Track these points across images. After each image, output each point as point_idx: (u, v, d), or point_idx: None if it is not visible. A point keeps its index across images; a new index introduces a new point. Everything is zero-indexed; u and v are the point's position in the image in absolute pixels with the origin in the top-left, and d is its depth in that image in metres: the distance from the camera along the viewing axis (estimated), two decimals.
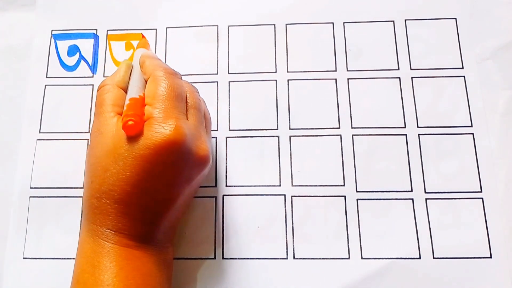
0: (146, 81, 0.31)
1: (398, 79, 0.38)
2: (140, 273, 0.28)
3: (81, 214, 0.30)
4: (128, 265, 0.27)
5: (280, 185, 0.36)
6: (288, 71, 0.39)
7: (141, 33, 0.40)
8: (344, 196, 0.36)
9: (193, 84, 0.34)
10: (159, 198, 0.28)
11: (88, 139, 0.38)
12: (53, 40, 0.41)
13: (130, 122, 0.27)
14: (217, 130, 0.37)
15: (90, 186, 0.28)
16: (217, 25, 0.40)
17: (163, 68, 0.30)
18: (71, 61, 0.40)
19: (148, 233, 0.29)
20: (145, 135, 0.27)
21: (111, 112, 0.29)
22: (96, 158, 0.28)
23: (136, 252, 0.28)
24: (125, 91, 0.31)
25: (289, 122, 0.37)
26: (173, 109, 0.28)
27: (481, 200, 0.35)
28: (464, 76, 0.38)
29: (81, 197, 0.36)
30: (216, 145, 0.37)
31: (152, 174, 0.27)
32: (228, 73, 0.39)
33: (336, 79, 0.38)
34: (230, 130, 0.37)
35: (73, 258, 0.35)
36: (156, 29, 0.40)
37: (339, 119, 0.37)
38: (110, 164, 0.27)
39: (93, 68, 0.40)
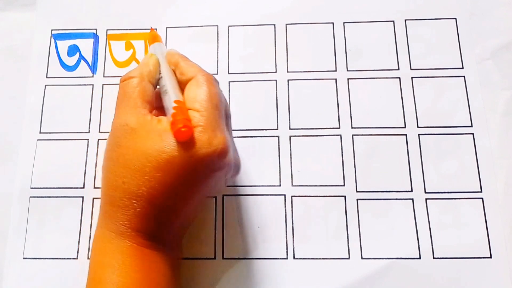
0: (179, 81, 0.30)
1: (398, 79, 0.38)
2: (156, 275, 0.28)
3: (93, 211, 0.30)
4: (147, 265, 0.27)
5: (280, 185, 0.36)
6: (288, 71, 0.39)
7: (151, 27, 0.39)
8: (344, 196, 0.36)
9: None
10: (191, 203, 0.28)
11: (88, 139, 0.38)
12: (53, 40, 0.41)
13: (183, 129, 0.26)
14: None
15: (121, 187, 0.27)
16: (217, 25, 0.40)
17: (205, 73, 0.29)
18: (71, 61, 0.40)
19: (164, 233, 0.29)
20: (195, 144, 0.26)
21: (143, 108, 0.28)
22: (128, 157, 0.27)
23: (154, 253, 0.28)
24: (154, 86, 0.30)
25: (289, 122, 0.37)
26: (219, 119, 0.28)
27: (481, 200, 0.35)
28: (464, 76, 0.38)
29: (81, 197, 0.36)
30: None
31: (193, 181, 0.27)
32: (228, 73, 0.39)
33: (336, 79, 0.38)
34: None
35: (73, 258, 0.35)
36: (156, 29, 0.40)
37: (339, 119, 0.37)
38: (151, 167, 0.26)
39: (93, 68, 0.40)
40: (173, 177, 0.26)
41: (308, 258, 0.34)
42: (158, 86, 0.31)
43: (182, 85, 0.30)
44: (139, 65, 0.31)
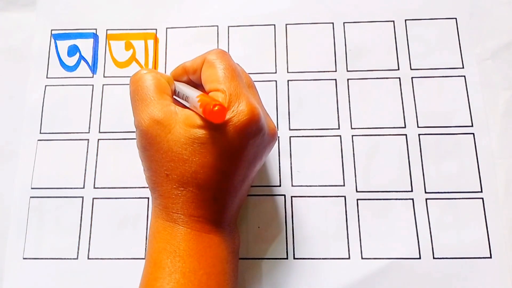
0: (197, 85, 0.30)
1: (398, 79, 0.38)
2: (218, 260, 0.28)
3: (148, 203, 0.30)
4: (206, 251, 0.27)
5: (280, 185, 0.36)
6: (288, 72, 0.39)
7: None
8: (344, 196, 0.36)
9: None
10: (237, 179, 0.28)
11: (88, 139, 0.38)
12: (53, 40, 0.41)
13: (216, 107, 0.25)
14: None
15: (167, 179, 0.27)
16: (217, 26, 0.40)
17: (213, 51, 0.29)
18: (71, 61, 0.40)
19: (222, 216, 0.29)
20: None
21: (164, 99, 0.28)
22: (165, 149, 0.27)
23: (213, 237, 0.28)
24: (170, 85, 0.30)
25: (289, 123, 0.37)
26: (241, 88, 0.27)
27: (481, 200, 0.35)
28: (464, 76, 0.38)
29: (81, 197, 0.36)
30: None
31: (234, 156, 0.27)
32: None
33: (336, 79, 0.38)
34: None
35: (73, 258, 0.35)
36: (156, 29, 0.40)
37: (339, 119, 0.37)
38: (188, 154, 0.26)
39: (93, 68, 0.40)
40: (212, 156, 0.26)
41: (308, 258, 0.34)
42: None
43: (200, 86, 0.30)
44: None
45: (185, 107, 0.29)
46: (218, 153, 0.27)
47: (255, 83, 0.38)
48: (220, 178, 0.27)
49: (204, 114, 0.26)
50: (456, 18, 0.39)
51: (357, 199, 0.36)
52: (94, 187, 0.37)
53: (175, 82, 0.31)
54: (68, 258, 0.35)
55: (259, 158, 0.29)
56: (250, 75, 0.39)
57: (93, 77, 0.40)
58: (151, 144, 0.28)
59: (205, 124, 0.26)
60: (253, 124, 0.27)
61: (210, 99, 0.26)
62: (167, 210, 0.28)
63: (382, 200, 0.35)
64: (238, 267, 0.32)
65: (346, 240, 0.35)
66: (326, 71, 0.39)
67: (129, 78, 0.39)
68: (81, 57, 0.40)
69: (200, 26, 0.40)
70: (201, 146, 0.26)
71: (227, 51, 0.39)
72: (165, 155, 0.27)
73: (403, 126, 0.37)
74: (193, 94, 0.28)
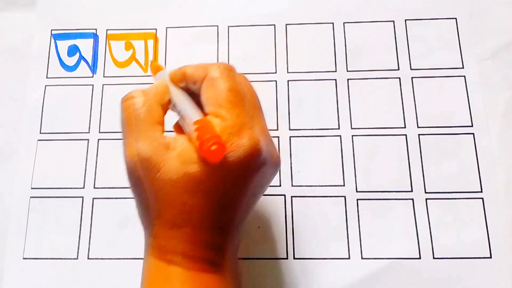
0: (194, 94, 0.27)
1: (398, 79, 0.38)
2: None
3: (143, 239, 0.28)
4: None
5: (280, 185, 0.36)
6: (288, 72, 0.39)
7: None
8: (344, 196, 0.36)
9: None
10: (236, 214, 0.26)
11: (88, 139, 0.38)
12: (53, 40, 0.41)
13: (214, 147, 0.22)
14: None
15: (158, 220, 0.25)
16: (217, 26, 0.40)
17: (216, 66, 0.26)
18: (71, 61, 0.40)
19: (221, 256, 0.26)
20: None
21: (155, 131, 0.25)
22: (156, 190, 0.24)
23: (212, 277, 0.25)
24: (163, 108, 0.27)
25: (289, 123, 0.37)
26: (244, 116, 0.24)
27: (481, 200, 0.35)
28: (464, 76, 0.38)
29: (81, 197, 0.36)
30: None
31: (232, 192, 0.25)
32: None
33: (336, 80, 0.38)
34: None
35: (73, 258, 0.35)
36: (156, 29, 0.40)
37: (339, 119, 0.37)
38: (182, 193, 0.24)
39: (93, 68, 0.40)
40: (209, 195, 0.24)
41: (308, 258, 0.34)
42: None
43: (198, 97, 0.27)
44: (148, 87, 0.28)
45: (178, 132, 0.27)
46: (215, 192, 0.24)
47: (255, 83, 0.38)
48: (218, 217, 0.25)
49: (200, 150, 0.23)
50: (456, 18, 0.39)
51: (357, 199, 0.36)
52: (94, 187, 0.37)
53: (172, 91, 0.27)
54: (68, 258, 0.35)
55: (261, 189, 0.27)
56: (250, 75, 0.39)
57: (93, 77, 0.40)
58: (139, 183, 0.25)
59: (201, 159, 0.23)
60: (254, 159, 0.24)
61: (209, 134, 0.23)
62: (159, 251, 0.25)
63: (382, 200, 0.35)
64: None
65: (346, 240, 0.35)
66: (326, 71, 0.39)
67: (129, 78, 0.39)
68: (81, 57, 0.40)
69: (200, 26, 0.40)
70: (196, 185, 0.24)
71: (227, 51, 0.39)
72: (156, 195, 0.24)
73: (403, 126, 0.37)
74: (191, 117, 0.25)
